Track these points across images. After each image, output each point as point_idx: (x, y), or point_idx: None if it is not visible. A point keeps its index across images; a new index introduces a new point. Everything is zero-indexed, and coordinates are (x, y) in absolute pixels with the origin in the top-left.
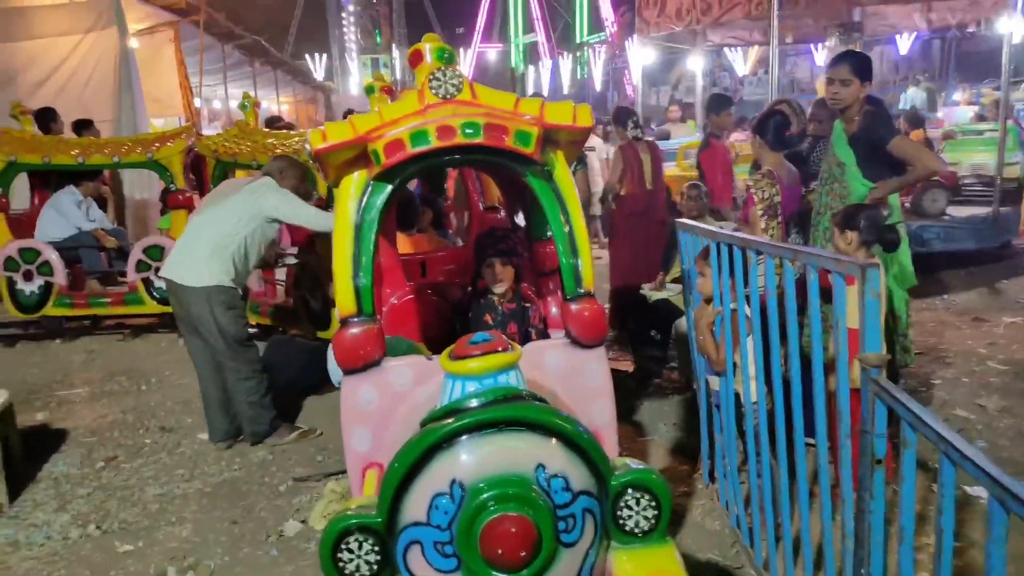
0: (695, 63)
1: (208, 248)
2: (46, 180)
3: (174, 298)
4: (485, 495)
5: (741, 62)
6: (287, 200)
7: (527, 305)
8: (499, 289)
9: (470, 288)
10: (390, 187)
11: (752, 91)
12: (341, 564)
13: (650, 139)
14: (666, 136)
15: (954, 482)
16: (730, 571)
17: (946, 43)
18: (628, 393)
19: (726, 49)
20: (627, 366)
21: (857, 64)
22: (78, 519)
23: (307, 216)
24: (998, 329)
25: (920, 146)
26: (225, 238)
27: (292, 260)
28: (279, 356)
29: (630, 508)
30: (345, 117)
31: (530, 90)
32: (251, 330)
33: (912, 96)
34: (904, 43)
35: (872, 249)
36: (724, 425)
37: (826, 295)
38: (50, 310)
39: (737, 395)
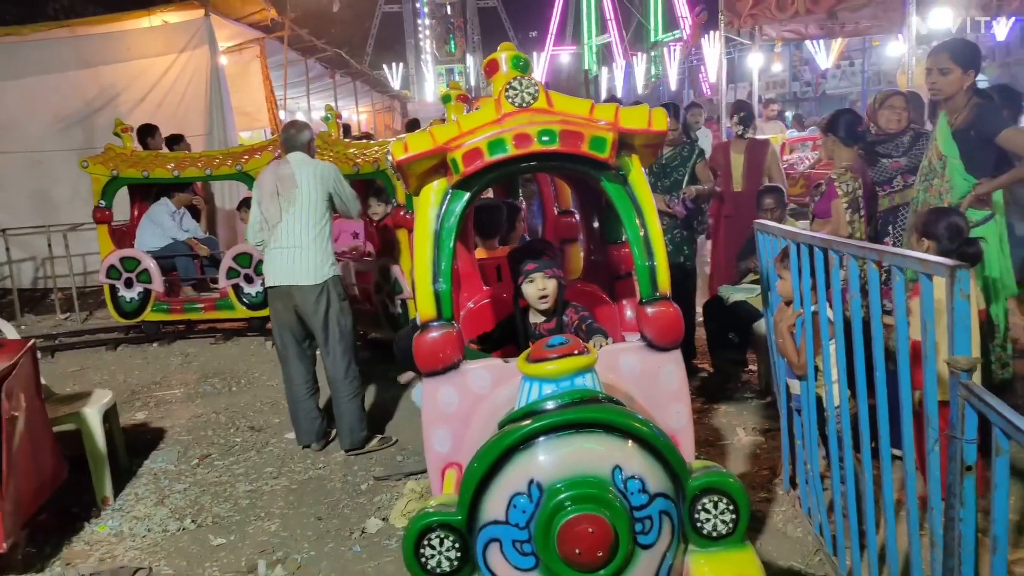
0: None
1: (313, 245)
2: (145, 193)
3: (282, 303)
4: (562, 495)
5: (823, 55)
6: (347, 187)
7: (564, 318)
8: (543, 306)
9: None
10: (468, 195)
11: (836, 84)
12: (423, 560)
13: (753, 137)
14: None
15: None
16: None
17: None
18: (707, 396)
19: (808, 42)
20: (705, 368)
21: (958, 51)
22: (175, 513)
23: (353, 202)
24: None
25: None
26: (322, 231)
27: (362, 266)
28: None
29: (707, 511)
30: (408, 127)
31: (603, 92)
32: None
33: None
34: (1002, 29)
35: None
36: (806, 430)
37: None
38: (149, 315)
39: (819, 399)
